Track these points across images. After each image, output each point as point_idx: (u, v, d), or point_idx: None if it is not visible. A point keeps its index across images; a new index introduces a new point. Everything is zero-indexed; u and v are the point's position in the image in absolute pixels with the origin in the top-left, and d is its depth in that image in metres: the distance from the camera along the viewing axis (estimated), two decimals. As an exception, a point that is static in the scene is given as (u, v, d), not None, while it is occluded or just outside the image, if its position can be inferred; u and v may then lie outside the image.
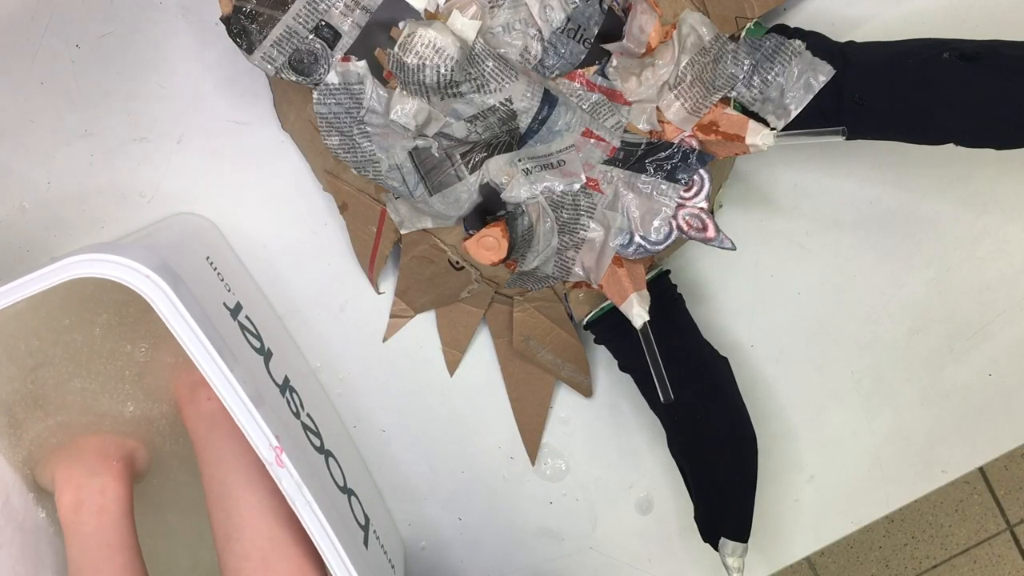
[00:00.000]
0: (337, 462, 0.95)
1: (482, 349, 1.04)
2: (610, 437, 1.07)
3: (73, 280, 0.75)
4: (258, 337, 0.91)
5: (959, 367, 1.06)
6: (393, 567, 0.99)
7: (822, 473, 1.09)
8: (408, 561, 1.09)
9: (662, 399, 0.90)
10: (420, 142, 0.87)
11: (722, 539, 0.95)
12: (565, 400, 1.06)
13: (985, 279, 1.04)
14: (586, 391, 1.05)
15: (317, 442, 0.92)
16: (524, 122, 0.86)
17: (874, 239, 1.02)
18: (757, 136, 0.85)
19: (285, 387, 0.91)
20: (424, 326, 1.03)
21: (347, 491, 0.94)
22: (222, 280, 0.92)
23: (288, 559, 0.83)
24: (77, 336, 0.92)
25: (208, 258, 0.92)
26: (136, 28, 0.94)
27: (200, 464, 0.89)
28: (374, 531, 0.96)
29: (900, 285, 1.04)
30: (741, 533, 0.95)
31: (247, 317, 0.91)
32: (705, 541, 0.97)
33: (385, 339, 1.03)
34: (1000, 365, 1.07)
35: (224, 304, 0.88)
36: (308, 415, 0.93)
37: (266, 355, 0.91)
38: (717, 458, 0.95)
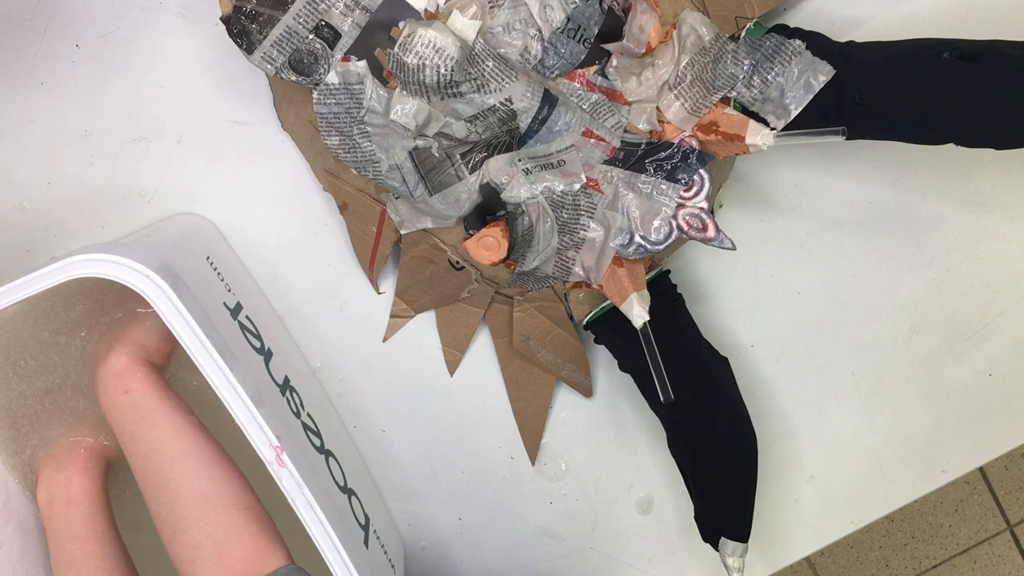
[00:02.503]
0: (337, 462, 0.95)
1: (482, 349, 1.04)
2: (610, 437, 1.07)
3: (71, 285, 0.75)
4: (258, 337, 0.91)
5: (959, 367, 1.07)
6: (393, 567, 0.99)
7: (822, 473, 1.09)
8: (408, 561, 1.09)
9: (662, 399, 0.90)
10: (420, 142, 0.87)
11: (722, 539, 0.95)
12: (565, 400, 1.06)
13: (985, 279, 1.04)
14: (586, 391, 1.05)
15: (317, 442, 0.92)
16: (524, 122, 0.86)
17: (874, 239, 1.02)
18: (757, 136, 0.85)
19: (285, 387, 0.91)
20: (424, 326, 1.03)
21: (347, 491, 0.94)
22: (222, 280, 0.92)
23: (242, 540, 0.80)
24: (63, 339, 0.92)
25: (208, 258, 0.92)
26: (136, 28, 0.94)
27: (129, 458, 0.85)
28: (374, 531, 0.96)
29: (900, 285, 1.04)
30: (741, 533, 0.95)
31: (247, 317, 0.91)
32: (705, 541, 0.97)
33: (385, 339, 1.03)
34: (1000, 365, 1.07)
35: (224, 304, 0.88)
36: (308, 415, 0.94)
37: (266, 355, 0.91)
38: (717, 458, 0.95)
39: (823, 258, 1.03)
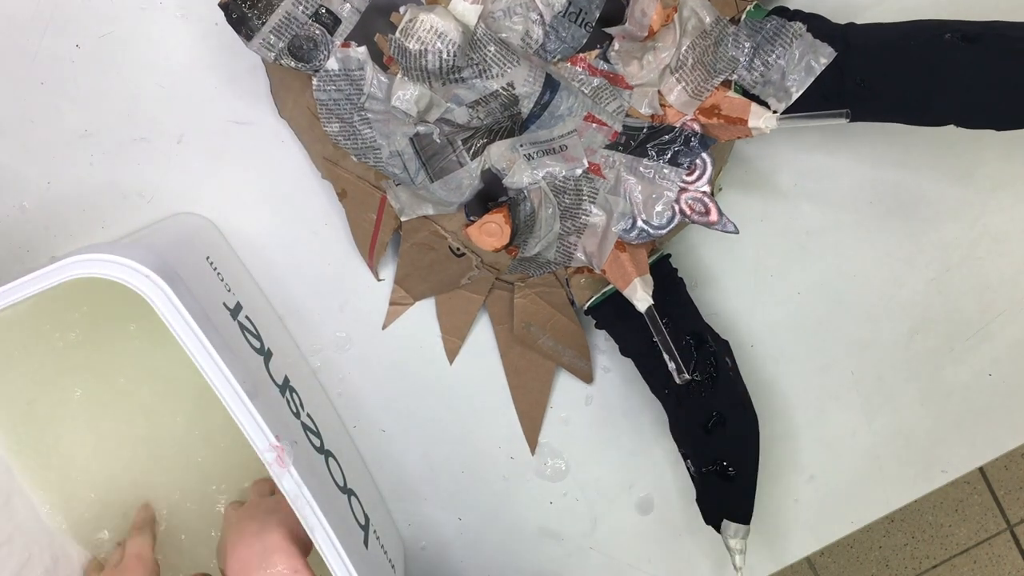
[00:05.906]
0: (337, 462, 0.94)
1: (482, 347, 1.04)
2: (610, 437, 1.07)
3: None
4: (258, 337, 0.91)
5: (959, 367, 1.07)
6: (393, 567, 0.98)
7: (822, 473, 1.08)
8: (408, 561, 1.09)
9: (677, 380, 0.90)
10: (421, 128, 0.87)
11: (724, 521, 0.94)
12: (565, 400, 1.06)
13: (985, 279, 1.04)
14: (586, 377, 1.05)
15: (317, 442, 0.92)
16: (526, 107, 0.86)
17: (874, 239, 1.03)
18: (759, 119, 0.85)
19: (285, 387, 0.91)
20: (425, 326, 1.03)
21: (347, 491, 0.93)
22: (222, 280, 0.91)
23: None
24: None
25: (208, 258, 0.92)
26: (136, 28, 0.94)
27: None
28: (374, 531, 0.96)
29: (900, 285, 1.04)
30: (743, 515, 0.95)
31: (247, 317, 0.91)
32: (707, 523, 0.97)
33: (384, 327, 1.03)
34: (1000, 365, 1.07)
35: (224, 304, 0.88)
36: (308, 415, 0.93)
37: (266, 355, 0.90)
38: (719, 439, 0.95)
39: (823, 258, 1.03)
